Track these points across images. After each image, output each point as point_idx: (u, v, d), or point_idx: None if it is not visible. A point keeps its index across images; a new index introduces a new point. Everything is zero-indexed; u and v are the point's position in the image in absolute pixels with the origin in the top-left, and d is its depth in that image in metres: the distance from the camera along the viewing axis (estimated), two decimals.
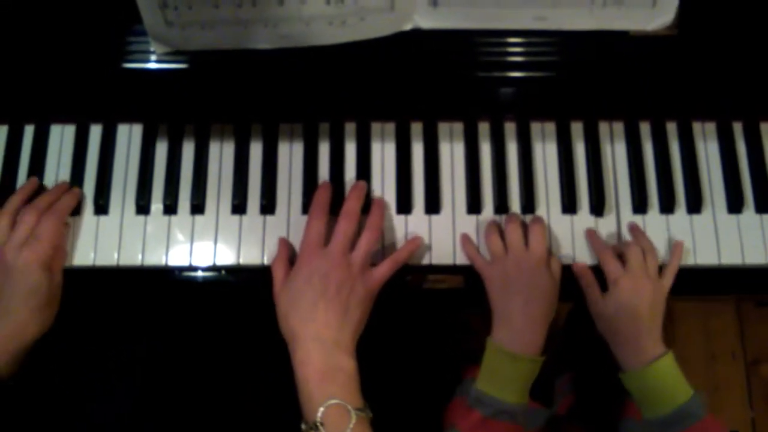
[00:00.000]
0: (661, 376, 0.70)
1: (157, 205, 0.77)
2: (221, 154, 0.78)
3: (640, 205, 0.77)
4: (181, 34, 0.72)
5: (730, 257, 0.76)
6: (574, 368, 0.92)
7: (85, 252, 0.75)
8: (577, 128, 0.80)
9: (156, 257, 0.75)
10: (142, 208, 0.76)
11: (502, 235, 0.74)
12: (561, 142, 0.79)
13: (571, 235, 0.76)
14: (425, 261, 0.75)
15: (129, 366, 0.87)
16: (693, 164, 0.78)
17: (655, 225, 0.77)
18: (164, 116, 0.79)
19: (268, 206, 0.76)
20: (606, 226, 0.77)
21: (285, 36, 0.72)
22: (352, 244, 0.70)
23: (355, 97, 0.80)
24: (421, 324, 0.98)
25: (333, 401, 0.61)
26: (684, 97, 0.80)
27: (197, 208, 0.76)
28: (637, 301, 0.71)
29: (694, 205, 0.77)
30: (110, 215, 0.76)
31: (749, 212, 0.77)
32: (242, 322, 0.91)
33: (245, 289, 0.77)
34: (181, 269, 0.76)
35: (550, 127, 0.80)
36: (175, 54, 0.75)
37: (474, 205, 0.77)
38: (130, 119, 0.79)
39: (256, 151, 0.78)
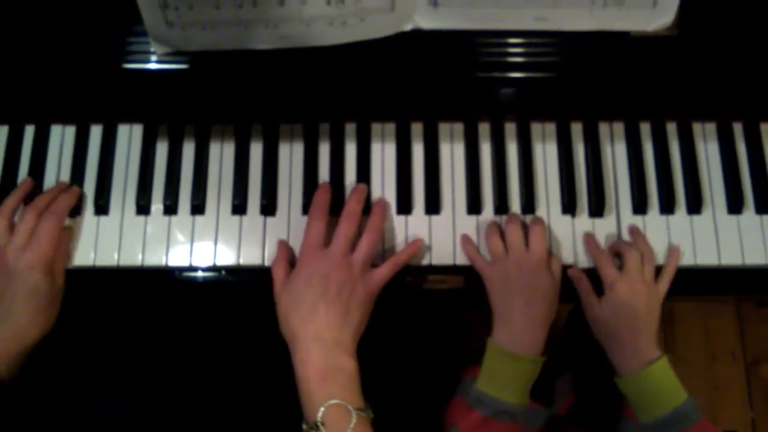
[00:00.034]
0: (656, 380, 0.70)
1: (157, 206, 0.77)
2: (221, 155, 0.78)
3: (640, 206, 0.77)
4: (182, 34, 0.72)
5: (730, 258, 0.76)
6: (575, 369, 0.92)
7: (85, 252, 0.75)
8: (577, 129, 0.80)
9: (156, 257, 0.75)
10: (143, 208, 0.76)
11: (502, 235, 0.74)
12: (561, 142, 0.79)
13: (572, 236, 0.76)
14: (425, 261, 0.75)
15: (129, 366, 0.86)
16: (693, 165, 0.78)
17: (655, 225, 0.77)
18: (165, 117, 0.79)
19: (268, 207, 0.76)
20: (606, 226, 0.77)
21: (285, 36, 0.72)
22: (353, 245, 0.70)
23: (355, 98, 0.80)
24: (421, 324, 0.98)
25: (333, 401, 0.61)
26: (684, 97, 0.80)
27: (197, 208, 0.76)
28: (633, 305, 0.71)
29: (694, 205, 0.77)
30: (110, 215, 0.76)
31: (749, 213, 0.77)
32: (242, 322, 0.91)
33: (245, 290, 0.77)
34: (182, 269, 0.76)
35: (551, 127, 0.80)
36: (175, 54, 0.75)
37: (474, 206, 0.77)
38: (130, 120, 0.79)
39: (256, 151, 0.78)
